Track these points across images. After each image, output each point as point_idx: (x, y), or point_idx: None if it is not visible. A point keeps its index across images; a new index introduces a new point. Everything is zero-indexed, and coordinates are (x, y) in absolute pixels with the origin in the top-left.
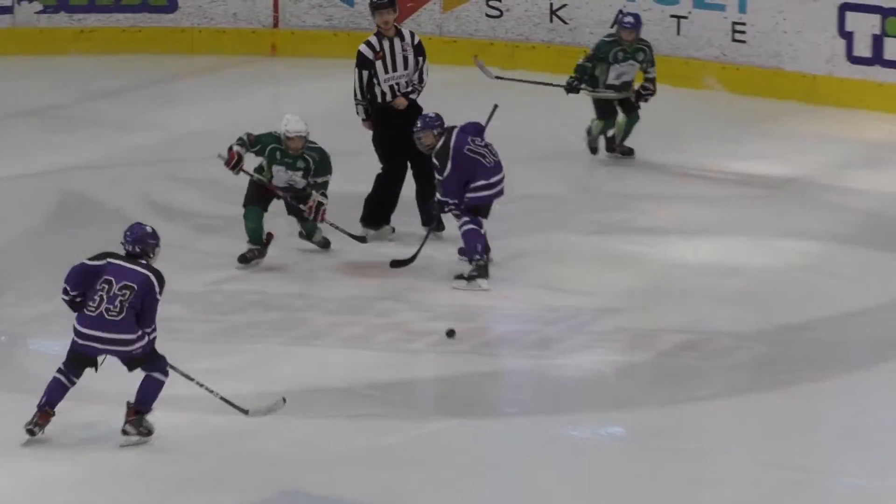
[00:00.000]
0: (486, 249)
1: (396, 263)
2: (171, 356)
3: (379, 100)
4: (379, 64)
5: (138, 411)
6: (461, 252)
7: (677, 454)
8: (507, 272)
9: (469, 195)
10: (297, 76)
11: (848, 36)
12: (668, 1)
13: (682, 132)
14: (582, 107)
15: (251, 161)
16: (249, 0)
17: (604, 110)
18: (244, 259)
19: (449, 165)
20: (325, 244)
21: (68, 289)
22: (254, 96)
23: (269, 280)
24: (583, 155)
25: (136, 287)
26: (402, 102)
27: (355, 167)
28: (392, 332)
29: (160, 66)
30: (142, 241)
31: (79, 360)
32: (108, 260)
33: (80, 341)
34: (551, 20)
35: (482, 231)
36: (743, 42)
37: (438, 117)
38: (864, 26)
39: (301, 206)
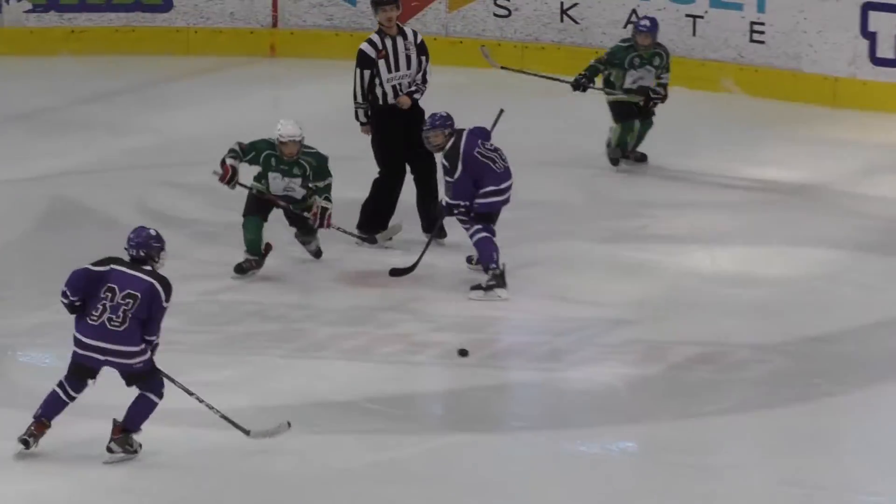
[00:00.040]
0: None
1: (396, 272)
2: (166, 368)
3: (380, 101)
4: (382, 63)
5: (126, 430)
6: (469, 261)
7: (690, 470)
8: (516, 281)
9: (478, 201)
10: (297, 78)
11: (871, 36)
12: (683, 0)
13: (698, 136)
14: (593, 110)
15: (247, 171)
16: None
17: (620, 113)
18: (240, 269)
19: (459, 167)
20: (317, 253)
21: (68, 293)
22: (252, 99)
23: (267, 290)
24: (594, 160)
25: (139, 296)
26: (406, 101)
27: (356, 172)
28: (395, 344)
29: (154, 67)
30: (146, 246)
31: (80, 371)
32: (112, 266)
33: (81, 351)
34: (562, 20)
35: (495, 238)
36: (761, 43)
37: (449, 117)
38: (887, 26)
39: (305, 214)
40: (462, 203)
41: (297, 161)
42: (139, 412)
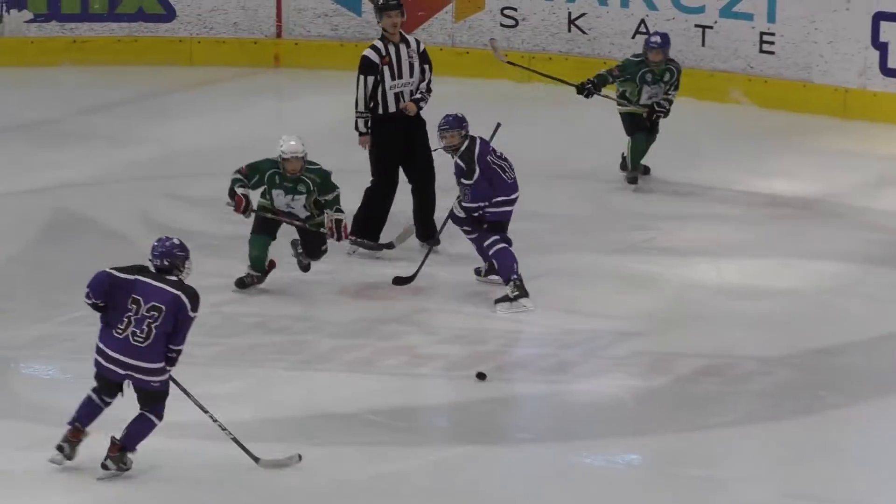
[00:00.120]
0: (491, 265)
1: (400, 281)
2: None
3: (380, 110)
4: (385, 70)
5: (124, 448)
6: (478, 273)
7: (696, 482)
8: None
9: (490, 210)
10: (302, 89)
11: (882, 47)
12: (693, 10)
13: (706, 148)
14: (600, 122)
15: (256, 193)
16: (251, 9)
17: (632, 124)
18: (241, 284)
19: (477, 169)
20: (306, 268)
21: (91, 294)
22: (255, 110)
23: (269, 302)
24: (601, 172)
25: (164, 308)
26: (413, 108)
27: (361, 186)
28: (398, 356)
29: (157, 77)
30: (170, 255)
31: (103, 382)
32: (138, 277)
33: (104, 362)
34: (569, 30)
35: (512, 247)
36: (771, 53)
37: (465, 118)
38: None
39: (321, 230)
40: (480, 205)
41: (300, 178)
42: (138, 432)
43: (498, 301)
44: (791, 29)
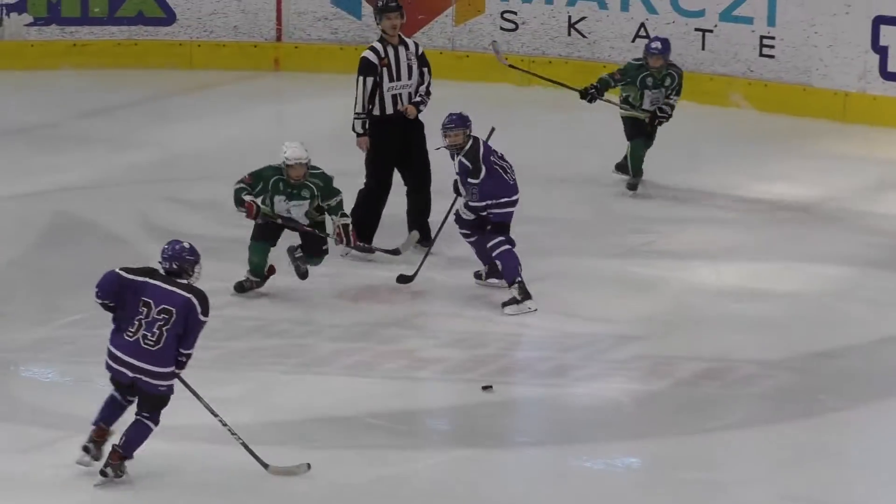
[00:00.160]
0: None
1: (403, 278)
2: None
3: (377, 112)
4: (384, 71)
5: (124, 456)
6: (478, 276)
7: (696, 486)
8: None
9: (493, 210)
10: (302, 92)
11: (882, 51)
12: (693, 13)
13: (706, 151)
14: (601, 125)
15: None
16: (251, 12)
17: (633, 128)
18: (240, 288)
19: (483, 168)
20: (304, 275)
21: (99, 294)
22: (255, 113)
23: (269, 306)
24: (601, 176)
25: (174, 311)
26: (413, 111)
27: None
28: (398, 360)
29: (157, 81)
30: (179, 258)
31: (117, 383)
32: (148, 280)
33: (113, 364)
34: (569, 33)
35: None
36: (771, 57)
37: (469, 118)
38: None
39: (328, 234)
40: (488, 203)
41: (304, 183)
42: (137, 438)
43: (505, 304)
44: (791, 33)
